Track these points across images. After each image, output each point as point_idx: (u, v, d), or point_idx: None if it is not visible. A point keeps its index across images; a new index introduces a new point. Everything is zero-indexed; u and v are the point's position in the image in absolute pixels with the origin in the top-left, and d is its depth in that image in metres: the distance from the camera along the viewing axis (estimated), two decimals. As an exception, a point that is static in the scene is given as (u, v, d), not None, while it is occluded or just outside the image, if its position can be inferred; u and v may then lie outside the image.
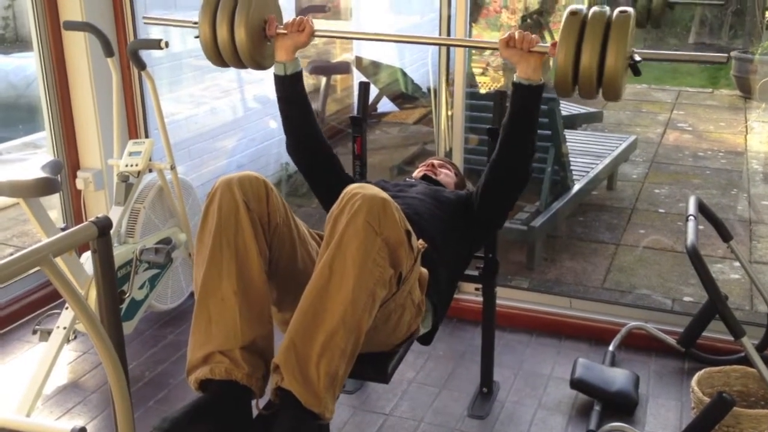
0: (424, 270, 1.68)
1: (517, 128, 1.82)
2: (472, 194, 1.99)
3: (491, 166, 1.89)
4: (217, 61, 1.99)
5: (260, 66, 1.99)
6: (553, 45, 1.70)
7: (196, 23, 1.96)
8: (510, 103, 1.82)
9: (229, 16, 1.91)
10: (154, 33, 3.26)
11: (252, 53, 1.94)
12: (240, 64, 1.98)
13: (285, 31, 1.92)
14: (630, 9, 1.67)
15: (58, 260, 2.03)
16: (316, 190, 2.06)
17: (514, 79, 1.78)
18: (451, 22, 2.72)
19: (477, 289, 2.30)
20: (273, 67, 1.97)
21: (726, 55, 1.72)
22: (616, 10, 1.67)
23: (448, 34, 2.73)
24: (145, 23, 2.45)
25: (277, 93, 1.97)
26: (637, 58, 1.67)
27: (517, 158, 1.84)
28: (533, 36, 1.75)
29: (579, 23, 1.66)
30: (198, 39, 1.97)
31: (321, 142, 2.01)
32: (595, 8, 1.68)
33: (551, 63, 1.76)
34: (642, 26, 2.79)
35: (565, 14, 1.68)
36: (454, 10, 2.69)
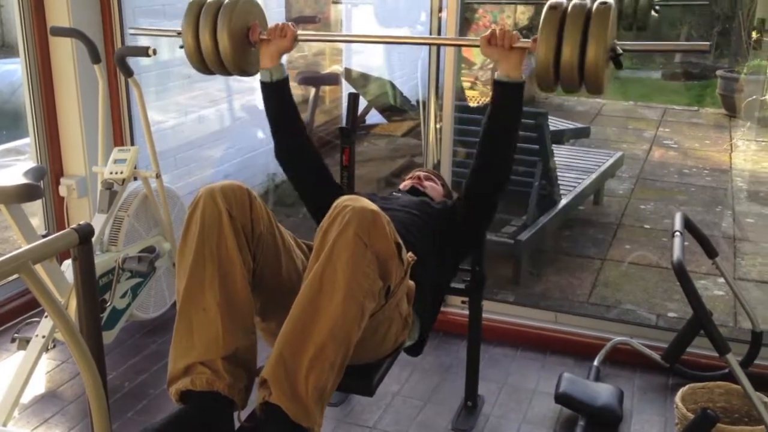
0: (412, 282, 1.67)
1: (498, 125, 1.80)
2: (456, 203, 1.98)
3: (473, 168, 1.87)
4: (202, 68, 1.99)
5: (245, 72, 2.00)
6: (534, 40, 1.69)
7: (179, 33, 1.96)
8: (491, 101, 1.80)
9: (212, 22, 1.91)
10: (143, 41, 3.25)
11: (236, 59, 1.94)
12: (224, 71, 1.98)
13: (268, 37, 1.93)
14: (610, 0, 1.64)
15: (39, 268, 2.01)
16: (304, 196, 2.05)
17: (495, 77, 1.77)
18: (441, 35, 2.73)
19: (463, 302, 2.30)
20: (259, 74, 1.97)
21: (708, 43, 1.72)
22: (597, 2, 1.64)
23: (438, 48, 2.73)
24: (131, 34, 2.46)
25: (264, 100, 1.97)
26: (619, 50, 1.65)
27: (498, 156, 1.82)
28: (514, 32, 1.73)
29: (559, 17, 1.64)
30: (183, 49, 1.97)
31: (309, 148, 2.00)
32: (575, 1, 1.66)
33: (533, 61, 1.74)
34: (628, 30, 2.85)
35: (545, 8, 1.65)
36: (444, 25, 2.70)
